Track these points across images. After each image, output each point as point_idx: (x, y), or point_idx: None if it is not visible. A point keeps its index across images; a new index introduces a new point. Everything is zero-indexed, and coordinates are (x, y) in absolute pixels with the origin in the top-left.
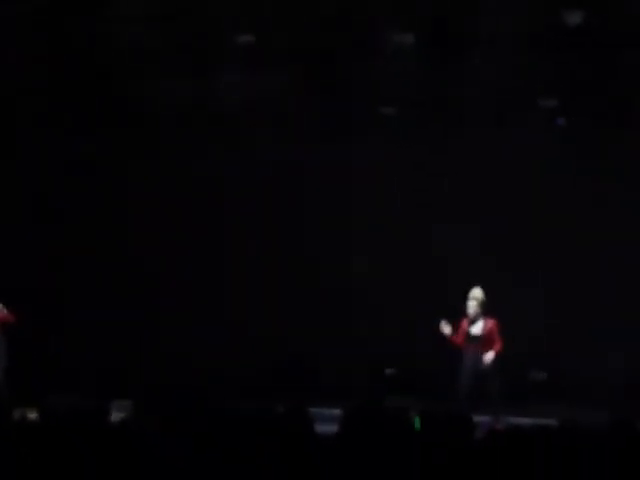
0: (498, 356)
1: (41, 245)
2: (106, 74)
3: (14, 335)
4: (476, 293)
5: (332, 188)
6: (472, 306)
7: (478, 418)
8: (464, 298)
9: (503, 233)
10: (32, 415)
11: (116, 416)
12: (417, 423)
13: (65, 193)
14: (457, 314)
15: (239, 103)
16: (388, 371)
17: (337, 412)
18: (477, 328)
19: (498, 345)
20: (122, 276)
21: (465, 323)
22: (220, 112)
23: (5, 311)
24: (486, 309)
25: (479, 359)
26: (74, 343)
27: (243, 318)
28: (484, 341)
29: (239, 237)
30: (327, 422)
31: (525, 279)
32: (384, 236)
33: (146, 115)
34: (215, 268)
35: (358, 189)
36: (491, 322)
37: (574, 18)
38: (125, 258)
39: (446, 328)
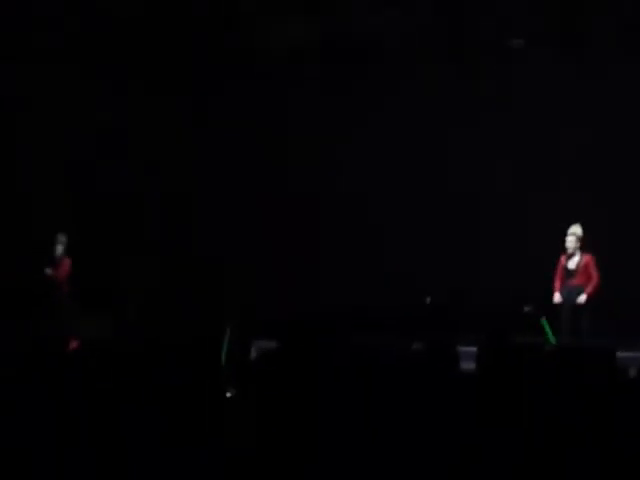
0: (594, 291)
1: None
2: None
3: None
4: (575, 229)
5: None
6: (570, 241)
7: None
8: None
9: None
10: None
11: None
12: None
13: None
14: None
15: (368, 38)
16: (526, 308)
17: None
18: (573, 263)
19: (594, 280)
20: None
21: (563, 258)
22: (349, 47)
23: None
24: (584, 245)
25: (574, 293)
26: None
27: (383, 254)
28: (579, 275)
29: (385, 167)
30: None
31: None
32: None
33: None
34: (356, 202)
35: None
36: (587, 257)
37: None
38: (263, 189)
39: (556, 297)
